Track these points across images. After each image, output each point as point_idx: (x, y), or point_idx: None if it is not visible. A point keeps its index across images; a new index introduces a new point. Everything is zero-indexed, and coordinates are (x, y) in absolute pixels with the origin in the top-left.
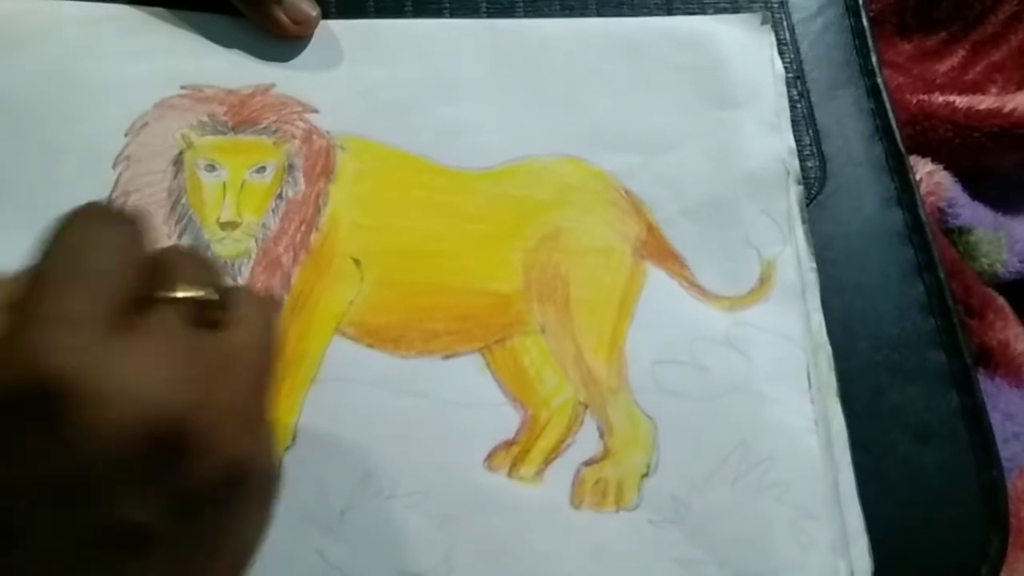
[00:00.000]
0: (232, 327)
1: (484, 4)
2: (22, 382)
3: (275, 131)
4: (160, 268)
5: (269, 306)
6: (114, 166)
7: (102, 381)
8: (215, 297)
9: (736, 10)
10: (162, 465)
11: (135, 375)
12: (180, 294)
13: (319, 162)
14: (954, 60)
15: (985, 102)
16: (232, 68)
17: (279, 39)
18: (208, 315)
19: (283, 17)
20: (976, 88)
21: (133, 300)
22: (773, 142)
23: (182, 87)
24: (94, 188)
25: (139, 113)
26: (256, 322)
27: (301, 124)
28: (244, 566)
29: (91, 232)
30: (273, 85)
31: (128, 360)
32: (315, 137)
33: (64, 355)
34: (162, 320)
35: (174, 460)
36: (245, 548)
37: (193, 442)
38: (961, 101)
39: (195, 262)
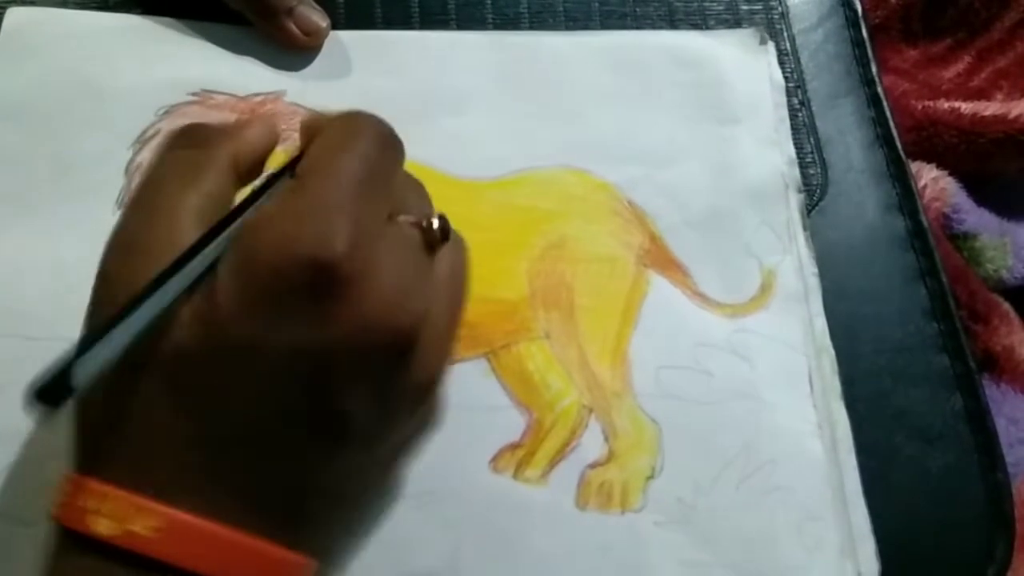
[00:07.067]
0: (441, 260)
1: (490, 16)
2: (308, 257)
3: (285, 139)
4: (401, 189)
5: (466, 248)
6: (126, 173)
7: (367, 277)
8: (439, 228)
9: (738, 22)
10: (389, 366)
11: (390, 280)
12: (424, 223)
13: None
14: (959, 66)
15: (990, 108)
16: (243, 77)
17: (289, 50)
18: (427, 240)
19: (293, 28)
20: (981, 94)
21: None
22: (772, 156)
23: (193, 93)
24: (107, 196)
25: (151, 121)
26: (458, 260)
27: None
28: (388, 481)
29: (386, 150)
30: (284, 93)
31: (384, 265)
32: None
33: (347, 247)
34: (405, 237)
35: (398, 364)
36: (397, 464)
37: (415, 352)
38: (966, 107)
39: (419, 189)
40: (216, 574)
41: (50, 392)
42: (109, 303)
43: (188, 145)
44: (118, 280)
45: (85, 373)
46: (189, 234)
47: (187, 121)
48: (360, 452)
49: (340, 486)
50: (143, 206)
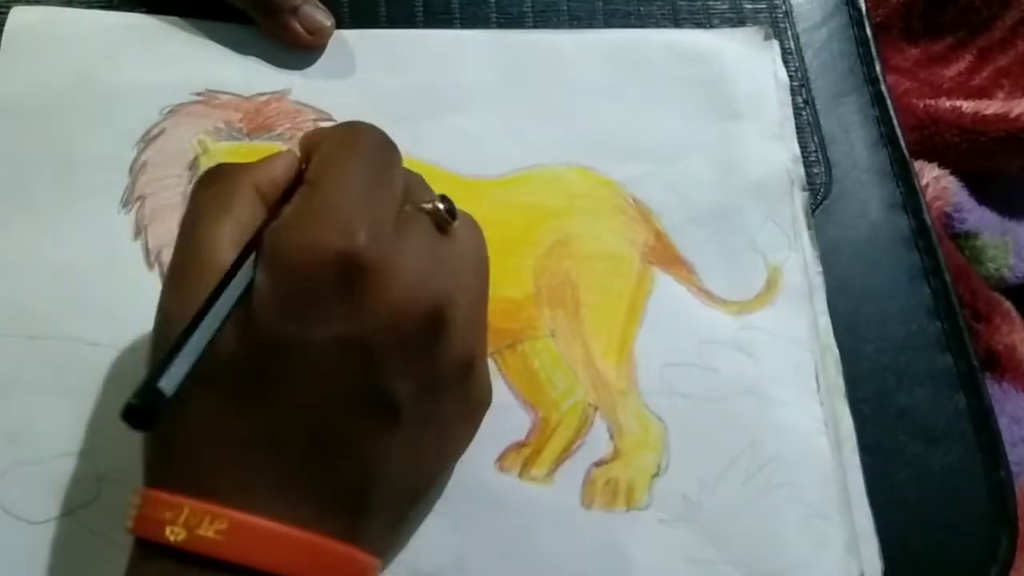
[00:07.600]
0: (456, 238)
1: (494, 15)
2: (334, 251)
3: (290, 138)
4: (404, 183)
5: (477, 225)
6: (131, 172)
7: (390, 263)
8: (447, 210)
9: (741, 21)
10: (426, 344)
11: (411, 263)
12: (429, 206)
13: None
14: (961, 65)
15: (992, 107)
16: (247, 76)
17: (294, 48)
18: (439, 224)
19: (298, 27)
20: (983, 93)
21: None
22: (777, 152)
23: (198, 93)
24: (111, 195)
25: (155, 120)
26: (474, 236)
27: None
28: (446, 468)
29: (384, 150)
30: (288, 92)
31: (403, 250)
32: None
33: (368, 238)
34: (419, 224)
35: (434, 341)
36: (452, 448)
37: (448, 327)
38: (968, 106)
39: (419, 179)
40: (282, 572)
41: (140, 414)
42: (169, 333)
43: (214, 183)
44: (173, 311)
45: (170, 388)
46: (227, 257)
47: (191, 120)
48: (414, 434)
49: (401, 475)
50: (184, 243)
